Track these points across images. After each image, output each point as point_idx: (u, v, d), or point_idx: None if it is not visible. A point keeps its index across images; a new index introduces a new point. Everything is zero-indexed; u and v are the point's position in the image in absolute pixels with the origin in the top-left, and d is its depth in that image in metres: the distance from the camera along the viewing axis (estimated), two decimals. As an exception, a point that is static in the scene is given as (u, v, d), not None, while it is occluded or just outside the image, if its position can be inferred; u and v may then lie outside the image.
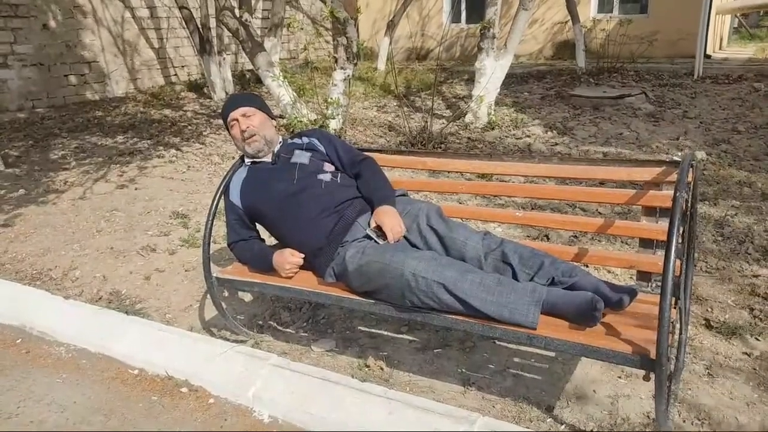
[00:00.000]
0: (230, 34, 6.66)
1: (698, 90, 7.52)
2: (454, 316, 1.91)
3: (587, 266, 2.83)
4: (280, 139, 2.51)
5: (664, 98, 7.13)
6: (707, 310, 2.62)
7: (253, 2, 8.78)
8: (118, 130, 6.70)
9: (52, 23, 8.01)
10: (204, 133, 6.51)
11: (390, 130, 6.40)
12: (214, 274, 2.42)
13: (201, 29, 7.85)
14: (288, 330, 2.71)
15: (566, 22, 9.85)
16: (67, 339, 2.71)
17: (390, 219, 2.13)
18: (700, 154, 4.85)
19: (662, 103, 6.94)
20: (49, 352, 2.64)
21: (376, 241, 2.13)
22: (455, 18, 12.50)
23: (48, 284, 3.23)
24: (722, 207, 3.76)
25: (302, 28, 11.42)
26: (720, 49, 12.75)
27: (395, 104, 7.58)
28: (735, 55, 11.46)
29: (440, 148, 5.47)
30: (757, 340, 2.37)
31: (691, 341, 2.37)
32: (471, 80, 7.06)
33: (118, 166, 5.40)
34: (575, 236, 3.46)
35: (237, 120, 2.41)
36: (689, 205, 1.95)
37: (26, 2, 7.67)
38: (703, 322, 2.52)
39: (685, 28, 9.68)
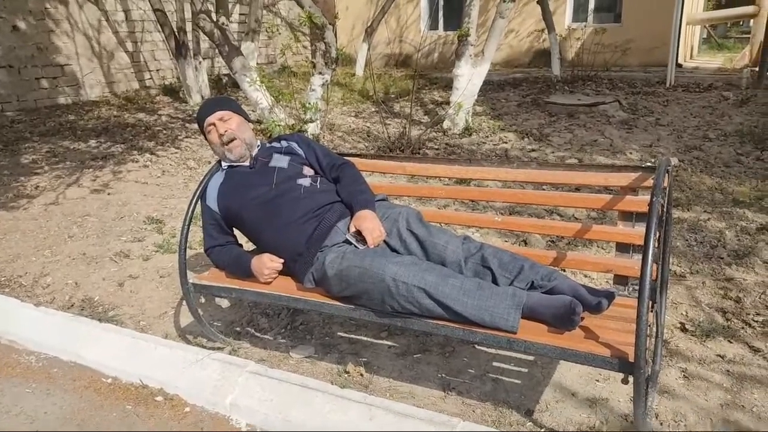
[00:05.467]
0: (206, 38, 6.60)
1: (670, 98, 7.69)
2: (434, 321, 1.91)
3: (565, 270, 2.85)
4: (258, 143, 2.49)
5: (637, 106, 7.27)
6: (682, 313, 2.66)
7: (229, 6, 8.73)
8: (92, 134, 6.58)
9: (23, 25, 7.84)
10: (179, 138, 6.43)
11: (368, 136, 6.40)
12: (191, 280, 2.37)
13: (177, 33, 7.76)
14: (266, 336, 2.67)
15: (542, 31, 9.98)
16: (37, 347, 2.63)
17: (370, 223, 2.12)
18: (674, 160, 4.95)
19: (635, 110, 7.08)
20: (18, 361, 2.56)
21: (355, 246, 2.11)
22: (433, 25, 12.60)
23: (18, 291, 3.14)
24: (695, 212, 3.83)
25: (280, 33, 11.39)
26: (691, 58, 13.07)
27: (373, 110, 7.60)
28: (705, 65, 11.76)
29: (418, 153, 5.48)
30: (730, 342, 2.42)
31: (666, 344, 2.40)
32: (449, 87, 7.12)
33: (91, 170, 5.30)
34: (552, 241, 3.50)
35: (214, 124, 2.37)
36: (664, 209, 1.98)
37: (-5, 3, 7.51)
38: (678, 325, 2.56)
39: (658, 38, 9.91)
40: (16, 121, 7.18)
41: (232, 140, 2.35)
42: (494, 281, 1.99)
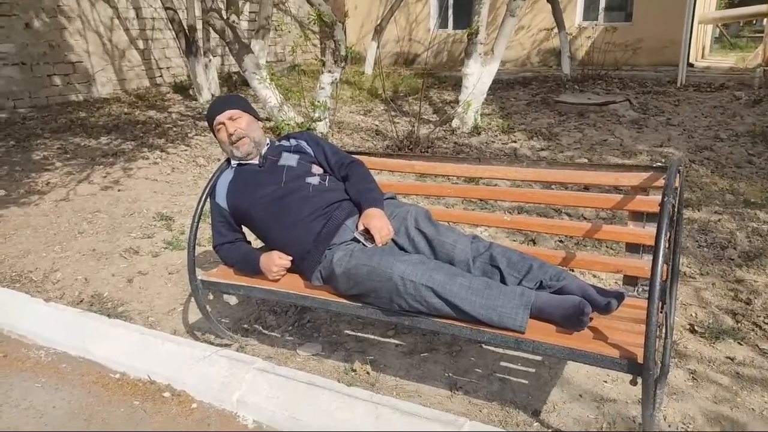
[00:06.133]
0: (217, 36, 6.62)
1: (681, 98, 7.62)
2: (442, 320, 1.90)
3: (574, 270, 2.84)
4: (268, 141, 2.49)
5: (647, 105, 7.21)
6: (691, 315, 2.64)
7: (240, 4, 8.76)
8: (102, 131, 6.62)
9: (35, 22, 7.90)
10: (189, 135, 6.45)
11: (377, 134, 6.39)
12: (199, 277, 2.38)
13: (187, 31, 7.79)
14: (273, 334, 2.68)
15: (552, 30, 9.93)
16: (47, 342, 2.66)
17: (378, 222, 2.11)
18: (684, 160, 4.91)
19: (646, 110, 7.02)
20: (27, 356, 2.58)
21: (363, 244, 2.11)
22: (442, 23, 12.56)
23: (28, 286, 3.17)
24: (705, 213, 3.80)
25: (290, 31, 11.41)
26: (702, 57, 12.95)
27: (382, 108, 7.59)
28: (717, 64, 11.65)
29: (427, 152, 5.47)
30: (740, 344, 2.39)
31: (675, 346, 2.38)
32: (458, 85, 7.10)
33: (101, 167, 5.33)
34: (561, 241, 3.48)
35: (224, 123, 2.37)
36: (676, 210, 1.96)
37: (8, 0, 7.55)
38: (688, 326, 2.54)
39: (669, 37, 9.82)
40: (28, 118, 7.23)
41: (240, 139, 2.36)
42: (503, 281, 1.98)
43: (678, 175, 1.87)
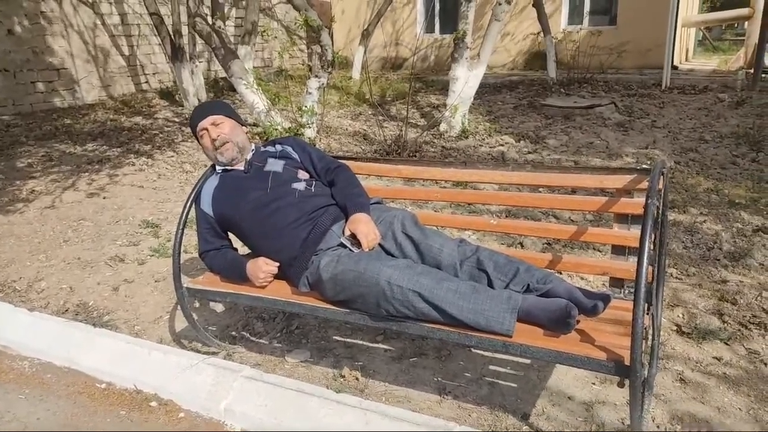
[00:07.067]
0: (203, 41, 6.59)
1: (666, 100, 7.70)
2: (429, 325, 1.90)
3: (561, 273, 2.85)
4: (253, 147, 2.48)
5: (632, 108, 7.28)
6: (678, 316, 2.65)
7: (226, 10, 8.73)
8: (88, 137, 6.57)
9: (18, 29, 7.83)
10: (176, 141, 6.42)
11: (364, 139, 6.39)
12: (185, 285, 2.36)
13: (173, 36, 7.75)
14: (261, 341, 2.66)
15: (538, 34, 9.99)
16: (31, 353, 2.62)
17: (364, 227, 2.10)
18: (669, 162, 4.95)
19: (631, 112, 7.08)
20: (11, 367, 2.54)
21: (350, 250, 2.11)
22: (429, 28, 12.61)
23: (12, 296, 3.13)
24: (691, 214, 3.84)
25: (276, 37, 11.40)
26: (686, 60, 13.10)
27: (370, 113, 7.60)
28: (700, 67, 11.79)
29: (415, 156, 5.48)
30: (727, 345, 2.41)
31: (663, 347, 2.40)
32: (445, 89, 7.12)
33: (86, 174, 5.28)
34: (548, 243, 3.49)
35: (206, 129, 2.36)
36: (660, 212, 1.98)
37: (-10, 7, 7.49)
38: (675, 328, 2.55)
39: (653, 40, 9.93)
40: (11, 125, 7.16)
41: (224, 144, 2.35)
42: (490, 284, 1.98)
43: (662, 177, 1.89)
